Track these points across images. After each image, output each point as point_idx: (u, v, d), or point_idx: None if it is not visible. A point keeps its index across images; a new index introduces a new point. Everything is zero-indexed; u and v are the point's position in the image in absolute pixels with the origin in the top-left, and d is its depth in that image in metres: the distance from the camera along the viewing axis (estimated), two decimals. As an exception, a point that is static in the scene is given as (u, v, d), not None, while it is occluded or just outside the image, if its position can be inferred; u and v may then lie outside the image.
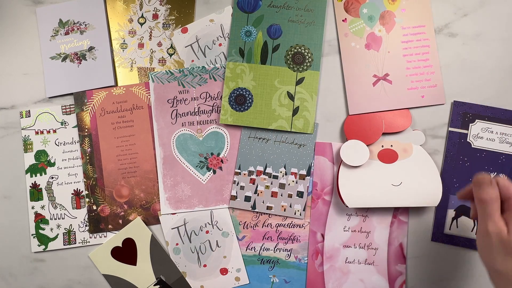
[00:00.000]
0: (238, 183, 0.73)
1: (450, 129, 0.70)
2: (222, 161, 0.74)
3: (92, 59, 0.76)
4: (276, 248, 0.73)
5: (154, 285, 0.74)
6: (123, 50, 0.76)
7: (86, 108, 0.76)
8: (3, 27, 0.78)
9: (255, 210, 0.72)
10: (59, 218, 0.76)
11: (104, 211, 0.75)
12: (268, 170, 0.72)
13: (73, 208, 0.76)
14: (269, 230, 0.73)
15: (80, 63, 0.76)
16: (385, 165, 0.70)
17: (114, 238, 0.74)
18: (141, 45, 0.76)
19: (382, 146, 0.70)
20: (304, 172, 0.72)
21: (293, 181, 0.72)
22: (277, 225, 0.73)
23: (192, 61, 0.75)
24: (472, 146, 0.70)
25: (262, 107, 0.72)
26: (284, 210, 0.72)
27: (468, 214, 0.70)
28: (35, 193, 0.76)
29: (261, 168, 0.73)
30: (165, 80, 0.75)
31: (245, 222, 0.73)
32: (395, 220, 0.71)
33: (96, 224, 0.75)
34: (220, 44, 0.74)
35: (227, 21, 0.74)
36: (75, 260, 0.76)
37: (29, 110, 0.77)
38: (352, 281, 0.71)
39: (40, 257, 0.76)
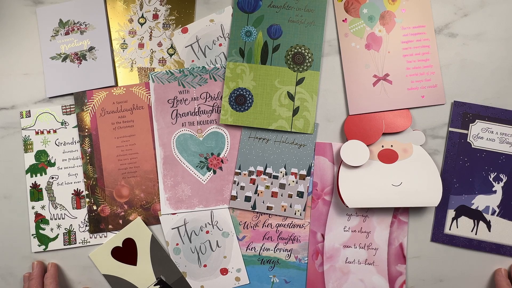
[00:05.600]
0: (238, 183, 0.73)
1: (450, 129, 0.71)
2: (222, 161, 0.74)
3: (92, 59, 0.76)
4: (276, 248, 0.73)
5: (154, 285, 0.74)
6: (123, 50, 0.76)
7: (86, 108, 0.76)
8: (3, 27, 0.78)
9: (255, 210, 0.72)
10: (59, 218, 0.76)
11: (104, 211, 0.75)
12: (268, 170, 0.72)
13: (73, 208, 0.76)
14: (269, 230, 0.73)
15: (80, 63, 0.76)
16: (385, 165, 0.70)
17: (114, 238, 0.74)
18: (141, 45, 0.76)
19: (382, 146, 0.70)
20: (304, 172, 0.72)
21: (293, 181, 0.72)
22: (277, 225, 0.73)
23: (192, 61, 0.75)
24: (472, 146, 0.70)
25: (262, 107, 0.72)
26: (284, 210, 0.72)
27: (467, 214, 0.70)
28: (35, 193, 0.76)
29: (261, 168, 0.73)
30: (165, 80, 0.75)
31: (245, 222, 0.73)
32: (395, 220, 0.71)
33: (96, 224, 0.75)
34: (220, 44, 0.75)
35: (227, 21, 0.74)
36: (75, 260, 0.76)
37: (29, 110, 0.77)
38: (352, 281, 0.72)
39: (40, 257, 0.76)
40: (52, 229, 0.76)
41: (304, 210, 0.72)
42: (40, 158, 0.76)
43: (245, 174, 0.73)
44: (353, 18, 0.72)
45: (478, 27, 0.71)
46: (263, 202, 0.72)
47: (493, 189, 0.70)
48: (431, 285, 0.71)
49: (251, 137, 0.73)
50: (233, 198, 0.73)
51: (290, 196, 0.72)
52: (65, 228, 0.76)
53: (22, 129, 0.77)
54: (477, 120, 0.70)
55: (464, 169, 0.70)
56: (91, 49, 0.76)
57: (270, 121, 0.72)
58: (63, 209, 0.76)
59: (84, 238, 0.75)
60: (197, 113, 0.74)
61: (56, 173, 0.76)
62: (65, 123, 0.76)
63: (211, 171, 0.74)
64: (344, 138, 0.72)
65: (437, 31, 0.72)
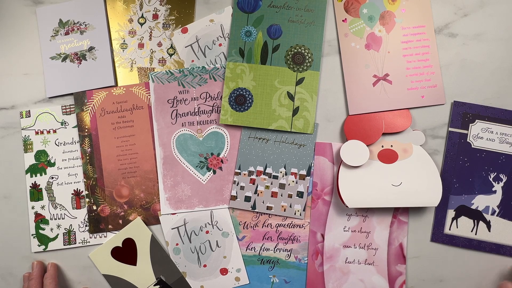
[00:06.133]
0: (238, 183, 0.73)
1: (450, 129, 0.71)
2: (222, 161, 0.74)
3: (92, 59, 0.76)
4: (276, 248, 0.73)
5: (154, 285, 0.74)
6: (123, 50, 0.76)
7: (86, 108, 0.76)
8: (3, 27, 0.78)
9: (255, 210, 0.72)
10: (59, 218, 0.76)
11: (104, 211, 0.75)
12: (268, 170, 0.72)
13: (73, 208, 0.76)
14: (269, 230, 0.73)
15: (80, 63, 0.76)
16: (385, 165, 0.70)
17: (114, 238, 0.74)
18: (141, 45, 0.76)
19: (382, 146, 0.70)
20: (304, 172, 0.72)
21: (293, 181, 0.72)
22: (277, 225, 0.73)
23: (192, 61, 0.75)
24: (472, 146, 0.70)
25: (262, 107, 0.72)
26: (284, 210, 0.72)
27: (467, 214, 0.70)
28: (35, 193, 0.76)
29: (261, 168, 0.73)
30: (165, 80, 0.75)
31: (245, 222, 0.73)
32: (395, 220, 0.71)
33: (96, 224, 0.75)
34: (220, 44, 0.75)
35: (227, 21, 0.74)
36: (75, 260, 0.76)
37: (29, 110, 0.77)
38: (352, 281, 0.72)
39: (40, 257, 0.76)
40: (52, 229, 0.76)
41: (304, 210, 0.72)
42: (40, 158, 0.76)
43: (245, 174, 0.73)
44: (353, 18, 0.72)
45: (478, 27, 0.71)
46: (263, 202, 0.72)
47: (493, 189, 0.70)
48: (431, 285, 0.71)
49: (251, 137, 0.73)
50: (233, 198, 0.73)
51: (290, 196, 0.72)
52: (65, 228, 0.76)
53: (22, 129, 0.77)
54: (477, 120, 0.70)
55: (464, 169, 0.70)
56: (91, 49, 0.76)
57: (270, 121, 0.72)
58: (63, 209, 0.76)
59: (84, 238, 0.75)
60: (197, 113, 0.74)
61: (56, 173, 0.76)
62: (65, 123, 0.76)
63: (211, 171, 0.74)
64: (344, 138, 0.72)
65: (437, 31, 0.72)
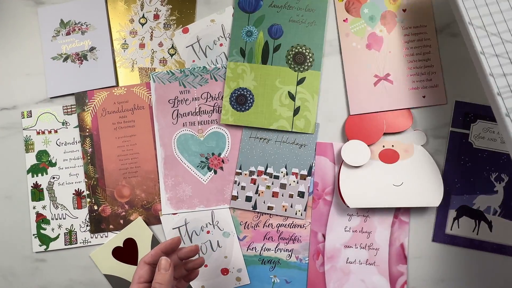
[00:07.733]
0: (239, 183, 0.73)
1: (452, 129, 0.70)
2: (223, 161, 0.74)
3: (93, 59, 0.76)
4: (277, 248, 0.73)
5: (155, 285, 0.74)
6: (124, 51, 0.77)
7: (87, 108, 0.76)
8: (5, 27, 0.78)
9: (256, 210, 0.72)
10: (60, 218, 0.76)
11: (105, 211, 0.75)
12: (269, 170, 0.72)
13: (74, 208, 0.76)
14: (270, 230, 0.73)
15: (81, 64, 0.76)
16: (386, 165, 0.69)
17: (115, 238, 0.74)
18: (142, 45, 0.76)
19: (383, 146, 0.70)
20: (305, 172, 0.72)
21: (294, 181, 0.72)
22: (278, 225, 0.73)
23: (193, 61, 0.75)
24: (474, 146, 0.70)
25: (263, 107, 0.72)
26: (285, 210, 0.72)
27: (469, 214, 0.70)
28: (37, 193, 0.76)
29: (262, 168, 0.73)
30: (166, 80, 0.75)
31: (246, 222, 0.73)
32: (396, 220, 0.71)
33: (97, 224, 0.75)
34: (221, 44, 0.75)
35: (228, 21, 0.74)
36: (76, 260, 0.76)
37: (31, 110, 0.77)
38: (353, 281, 0.71)
39: (42, 257, 0.76)
40: (53, 229, 0.76)
41: (305, 210, 0.72)
42: (41, 158, 0.76)
43: (246, 174, 0.73)
44: (354, 18, 0.72)
45: (480, 26, 0.71)
46: (264, 202, 0.72)
47: (495, 189, 0.70)
48: (432, 286, 0.71)
49: (252, 137, 0.73)
50: (234, 198, 0.73)
51: (291, 196, 0.72)
52: (66, 228, 0.76)
53: (23, 129, 0.77)
54: (478, 120, 0.70)
55: (466, 169, 0.70)
56: (92, 49, 0.77)
57: (271, 121, 0.72)
58: (64, 209, 0.76)
59: (85, 238, 0.75)
60: (198, 113, 0.74)
61: (57, 173, 0.76)
62: (66, 123, 0.77)
63: (212, 171, 0.74)
64: (345, 138, 0.72)
65: (438, 31, 0.72)
